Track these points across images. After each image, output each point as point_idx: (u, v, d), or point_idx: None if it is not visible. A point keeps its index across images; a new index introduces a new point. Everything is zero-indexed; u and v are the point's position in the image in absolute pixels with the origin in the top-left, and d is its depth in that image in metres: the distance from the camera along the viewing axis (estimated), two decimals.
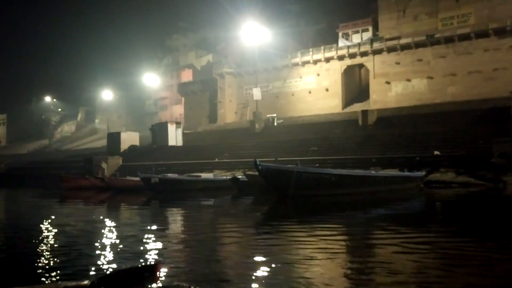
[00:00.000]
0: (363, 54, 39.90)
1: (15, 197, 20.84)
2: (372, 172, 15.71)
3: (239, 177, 18.23)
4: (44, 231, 8.56)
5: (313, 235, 7.41)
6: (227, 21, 67.40)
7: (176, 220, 10.72)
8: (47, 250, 6.38)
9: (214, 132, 42.67)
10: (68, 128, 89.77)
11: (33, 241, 7.22)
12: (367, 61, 40.03)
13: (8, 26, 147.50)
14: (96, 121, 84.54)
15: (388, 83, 38.69)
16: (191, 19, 79.66)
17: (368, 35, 40.72)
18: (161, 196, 16.54)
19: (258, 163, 12.55)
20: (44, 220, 10.14)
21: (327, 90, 42.06)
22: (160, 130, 38.23)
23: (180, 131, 38.14)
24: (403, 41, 37.54)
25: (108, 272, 3.86)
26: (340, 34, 42.09)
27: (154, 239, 7.18)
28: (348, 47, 40.58)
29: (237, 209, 13.06)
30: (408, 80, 37.70)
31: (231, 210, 12.83)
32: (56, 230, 8.71)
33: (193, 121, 51.34)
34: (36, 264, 5.32)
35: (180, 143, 37.96)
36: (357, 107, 40.33)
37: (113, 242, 7.00)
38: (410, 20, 38.00)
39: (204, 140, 39.22)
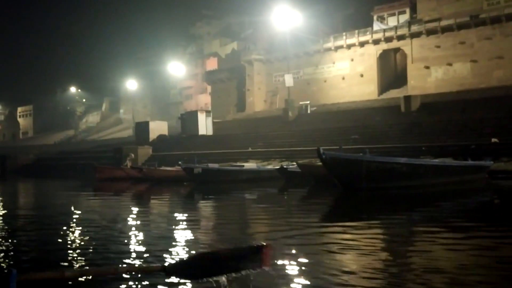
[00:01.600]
0: (400, 37, 37.91)
1: (49, 189, 20.01)
2: (446, 160, 14.07)
3: (286, 166, 16.88)
4: (99, 226, 7.48)
5: (388, 234, 6.51)
6: (252, 7, 65.90)
7: (228, 215, 9.50)
8: (100, 245, 5.87)
9: (244, 120, 41.38)
10: (93, 118, 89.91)
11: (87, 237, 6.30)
12: (405, 45, 38.05)
13: (34, 18, 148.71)
14: (121, 111, 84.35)
15: (427, 68, 36.69)
16: (215, 7, 78.47)
17: (405, 17, 38.67)
18: (204, 187, 15.39)
19: (322, 151, 11.22)
20: (97, 215, 9.11)
21: (361, 76, 40.26)
22: (189, 119, 37.15)
23: (210, 119, 37.00)
24: (444, 22, 35.42)
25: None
26: (375, 17, 40.11)
27: (205, 237, 6.51)
28: (384, 30, 38.63)
29: (295, 203, 11.78)
30: (449, 64, 35.63)
31: (289, 203, 11.56)
32: (104, 225, 7.90)
33: (220, 110, 50.09)
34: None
35: (210, 132, 36.83)
36: (394, 93, 38.51)
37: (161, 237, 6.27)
38: (452, 0, 35.80)
39: (235, 129, 38.01)
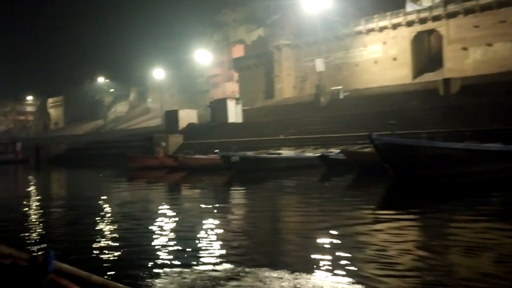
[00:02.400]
0: (436, 18, 36.33)
1: (85, 178, 19.90)
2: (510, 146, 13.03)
3: (328, 153, 16.19)
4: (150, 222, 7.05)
5: (446, 229, 5.96)
6: None
7: (268, 206, 8.95)
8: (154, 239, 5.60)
9: (274, 107, 40.70)
10: (121, 108, 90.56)
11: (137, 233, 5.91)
12: (440, 26, 36.46)
13: (63, 12, 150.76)
14: (148, 100, 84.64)
15: (465, 49, 35.09)
16: None
17: None
18: (241, 176, 14.90)
19: (374, 136, 10.51)
20: (133, 206, 8.71)
21: (394, 59, 38.90)
22: (219, 106, 36.72)
23: (240, 107, 36.48)
24: (483, 1, 33.68)
25: None
26: None
27: (241, 232, 6.09)
28: (418, 11, 37.07)
29: (341, 192, 11.14)
30: (489, 44, 33.95)
31: (334, 192, 10.93)
32: (139, 217, 7.72)
33: (248, 97, 49.40)
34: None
35: (240, 119, 36.34)
36: (429, 76, 37.10)
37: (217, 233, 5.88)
38: None
39: (265, 116, 37.39)
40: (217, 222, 6.72)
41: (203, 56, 63.61)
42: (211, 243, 5.22)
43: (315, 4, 36.79)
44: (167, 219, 7.31)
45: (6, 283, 2.07)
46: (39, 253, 2.22)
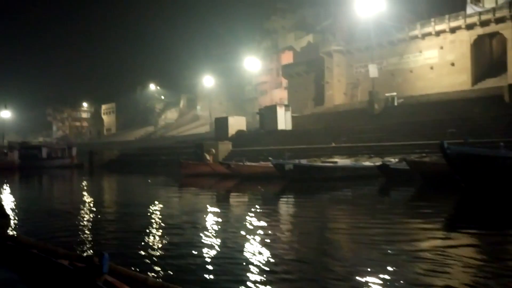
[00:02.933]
0: (499, 20, 34.29)
1: (140, 185, 19.95)
2: None
3: (388, 163, 15.29)
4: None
5: None
6: None
7: (322, 218, 8.24)
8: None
9: (324, 114, 39.80)
10: (171, 115, 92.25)
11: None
12: (504, 29, 34.37)
13: (113, 19, 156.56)
14: (198, 107, 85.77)
15: None
16: (289, 0, 77.22)
17: None
18: (295, 185, 14.29)
19: (446, 145, 9.63)
20: (184, 214, 8.31)
21: (452, 64, 37.07)
22: (268, 113, 36.29)
23: (289, 114, 35.89)
24: None
25: None
26: (468, 0, 36.69)
27: (286, 246, 5.69)
28: (480, 13, 35.14)
29: (404, 205, 10.29)
30: None
31: (396, 205, 10.09)
32: (188, 226, 7.44)
33: (297, 104, 48.77)
34: None
35: (289, 127, 35.73)
36: (491, 82, 35.07)
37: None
38: None
39: (314, 124, 36.62)
40: (267, 239, 6.27)
41: (252, 63, 63.70)
42: (258, 264, 4.87)
43: (368, 9, 35.76)
44: (216, 230, 7.06)
45: (63, 283, 2.14)
46: (94, 255, 2.23)
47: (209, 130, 62.34)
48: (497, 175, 9.09)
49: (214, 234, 6.52)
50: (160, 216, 8.72)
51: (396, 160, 17.05)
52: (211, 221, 8.04)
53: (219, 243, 5.90)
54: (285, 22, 74.86)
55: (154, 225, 7.49)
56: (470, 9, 36.32)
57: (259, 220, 7.87)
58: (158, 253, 5.36)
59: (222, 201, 12.27)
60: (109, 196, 15.30)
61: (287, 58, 61.34)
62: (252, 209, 9.58)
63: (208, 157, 25.39)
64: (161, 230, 7.06)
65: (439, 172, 11.83)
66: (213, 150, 31.86)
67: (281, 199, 12.20)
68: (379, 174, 14.85)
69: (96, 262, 2.13)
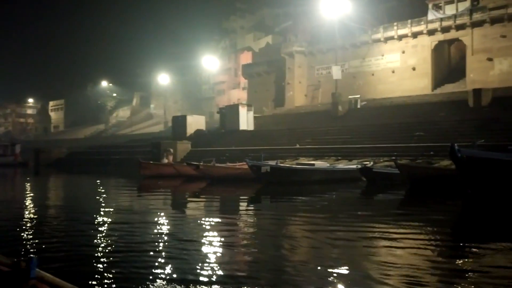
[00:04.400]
0: (460, 27, 34.73)
1: (87, 183, 18.05)
2: None
3: (370, 166, 14.37)
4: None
5: None
6: None
7: (302, 228, 7.09)
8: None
9: (286, 115, 38.99)
10: (123, 113, 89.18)
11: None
12: (464, 35, 34.85)
13: (66, 13, 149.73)
14: (152, 106, 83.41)
15: (490, 59, 33.45)
16: (249, 0, 76.44)
17: (465, 5, 35.40)
18: (271, 188, 13.06)
19: (457, 148, 8.68)
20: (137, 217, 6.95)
21: (413, 69, 37.26)
22: (230, 113, 34.97)
23: (251, 114, 34.78)
24: None
25: None
26: (430, 6, 36.97)
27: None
28: (441, 19, 35.49)
29: (395, 212, 9.31)
30: None
31: (386, 212, 9.08)
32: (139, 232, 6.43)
33: (257, 105, 47.67)
34: None
35: (251, 127, 34.60)
36: (450, 88, 35.54)
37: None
38: None
39: (276, 125, 35.69)
40: (227, 243, 5.78)
41: (210, 62, 62.33)
42: (211, 266, 4.56)
43: (331, 11, 35.37)
44: (172, 236, 6.35)
45: None
46: (22, 259, 2.08)
47: (164, 129, 60.49)
48: (510, 179, 8.30)
49: (169, 241, 5.89)
50: (107, 221, 7.78)
51: (371, 162, 16.25)
52: (168, 226, 7.32)
53: (171, 250, 5.34)
54: (244, 22, 74.11)
55: (99, 231, 6.74)
56: (431, 15, 36.63)
57: (223, 225, 7.18)
58: (99, 262, 4.85)
59: (183, 205, 11.00)
60: (51, 197, 13.55)
61: (246, 58, 60.35)
62: (218, 213, 8.49)
63: (168, 157, 23.75)
64: (105, 236, 6.34)
65: (429, 176, 11.03)
66: (171, 150, 30.27)
67: (255, 204, 10.98)
68: (359, 177, 13.91)
69: (23, 267, 2.07)
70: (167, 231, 6.70)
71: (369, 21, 41.65)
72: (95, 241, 5.94)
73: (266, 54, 54.76)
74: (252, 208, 10.22)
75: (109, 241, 5.96)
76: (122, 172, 26.66)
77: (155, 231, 6.64)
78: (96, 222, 7.51)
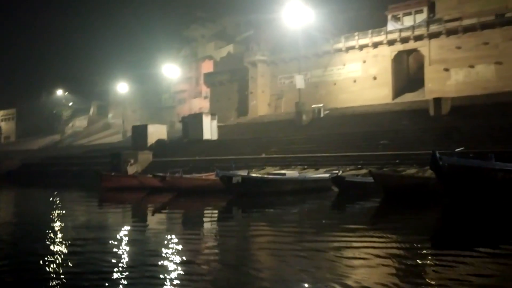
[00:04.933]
0: (418, 38, 35.69)
1: (43, 197, 16.93)
2: None
3: (340, 174, 14.15)
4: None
5: None
6: (252, 8, 63.40)
7: (275, 242, 6.73)
8: None
9: (250, 124, 38.72)
10: (80, 123, 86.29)
11: None
12: (422, 46, 35.84)
13: (18, 17, 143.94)
14: (109, 115, 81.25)
15: (446, 70, 34.50)
16: (210, 9, 76.02)
17: (422, 17, 36.42)
18: (243, 199, 12.59)
19: (438, 156, 8.52)
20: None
21: (374, 78, 37.92)
22: (193, 122, 34.29)
23: (215, 123, 34.23)
24: (466, 22, 33.29)
25: None
26: (389, 17, 37.80)
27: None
28: (400, 30, 36.35)
29: (376, 222, 9.07)
30: (471, 66, 33.49)
31: (367, 222, 8.83)
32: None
33: (220, 114, 47.16)
34: None
35: (215, 136, 34.05)
36: (409, 97, 36.35)
37: None
38: None
39: (240, 134, 35.34)
40: (193, 259, 5.50)
41: (170, 71, 61.43)
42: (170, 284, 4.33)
43: (294, 20, 35.55)
44: (130, 252, 5.99)
45: None
46: None
47: (122, 139, 58.89)
48: (492, 187, 8.21)
49: (127, 259, 5.52)
50: (61, 238, 7.30)
51: (340, 171, 16.10)
52: (128, 243, 6.84)
53: (129, 269, 5.02)
54: (205, 31, 73.58)
55: (51, 250, 6.24)
56: (391, 25, 37.45)
57: (190, 241, 6.83)
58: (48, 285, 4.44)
59: (147, 219, 10.42)
60: (3, 213, 12.53)
61: (207, 67, 59.86)
62: (184, 228, 8.03)
63: (132, 168, 22.86)
64: (58, 255, 5.84)
65: (404, 185, 10.92)
66: (132, 160, 29.35)
67: (225, 217, 10.51)
68: (329, 186, 13.66)
69: None
70: (127, 248, 6.21)
71: (330, 30, 42.17)
72: (46, 261, 5.42)
73: (228, 63, 54.50)
74: (221, 221, 9.75)
75: (61, 260, 5.46)
76: (80, 184, 25.45)
77: (113, 248, 6.14)
78: (49, 240, 6.95)
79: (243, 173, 14.33)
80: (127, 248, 6.30)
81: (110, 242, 6.69)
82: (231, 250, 6.05)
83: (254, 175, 14.87)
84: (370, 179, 12.35)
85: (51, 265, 5.21)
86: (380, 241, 6.49)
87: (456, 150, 9.87)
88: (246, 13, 64.62)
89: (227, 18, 73.14)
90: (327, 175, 15.06)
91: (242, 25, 67.11)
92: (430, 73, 35.38)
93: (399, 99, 36.54)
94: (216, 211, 11.47)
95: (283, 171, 16.02)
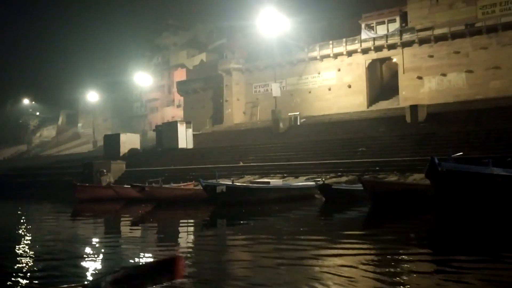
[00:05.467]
0: (391, 46, 36.13)
1: (14, 212, 15.97)
2: None
3: (326, 182, 13.84)
4: None
5: None
6: (225, 16, 63.32)
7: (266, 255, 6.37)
8: None
9: (226, 133, 38.23)
10: (48, 132, 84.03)
11: None
12: (396, 55, 36.31)
13: None
14: (79, 125, 79.41)
15: (420, 78, 35.00)
16: (182, 17, 75.55)
17: (395, 26, 36.94)
18: (226, 209, 12.11)
19: (437, 161, 8.27)
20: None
21: (349, 86, 38.12)
22: (167, 131, 33.56)
23: (190, 131, 33.62)
24: (438, 31, 33.92)
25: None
26: (363, 26, 38.20)
27: None
28: (374, 39, 36.75)
29: (371, 233, 8.77)
30: (444, 74, 34.08)
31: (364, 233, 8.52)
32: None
33: (194, 122, 46.52)
34: None
35: (190, 145, 33.42)
36: (384, 105, 36.67)
37: None
38: (445, 8, 34.42)
39: (216, 142, 34.80)
40: None
41: (142, 79, 60.52)
42: None
43: (268, 28, 35.55)
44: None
45: None
46: None
47: (93, 149, 57.49)
48: (490, 193, 8.04)
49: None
50: (28, 253, 6.77)
51: (323, 179, 15.84)
52: (102, 259, 6.31)
53: None
54: (177, 39, 73.02)
55: (16, 267, 5.66)
56: (364, 34, 37.82)
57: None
58: None
59: (124, 232, 9.79)
60: None
61: (180, 75, 59.20)
62: (165, 241, 7.49)
63: (107, 178, 22.06)
64: (23, 272, 5.37)
65: (394, 192, 10.71)
66: (105, 171, 28.46)
67: (209, 229, 10.02)
68: (313, 194, 13.33)
69: None
70: (97, 265, 5.69)
71: (305, 39, 42.28)
72: (9, 276, 4.97)
73: (201, 71, 54.03)
74: (205, 233, 9.24)
75: (28, 278, 5.00)
76: (50, 195, 24.42)
77: (84, 264, 5.65)
78: (14, 255, 6.37)
79: (224, 182, 13.83)
80: (97, 265, 5.79)
81: (80, 257, 6.19)
82: (211, 265, 5.64)
83: (238, 184, 14.37)
84: (356, 187, 12.10)
85: (15, 281, 4.77)
86: (373, 249, 6.17)
87: (453, 156, 9.66)
88: (218, 21, 64.46)
89: (199, 26, 72.82)
90: (311, 183, 14.77)
91: (215, 33, 66.84)
92: (404, 81, 35.81)
93: (374, 107, 36.84)
94: (200, 222, 10.95)
95: (266, 180, 15.59)
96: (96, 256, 6.32)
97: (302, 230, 8.75)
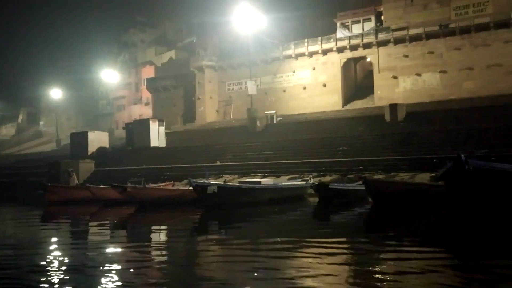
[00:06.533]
0: (366, 46, 36.05)
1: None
2: None
3: (326, 183, 13.15)
4: None
5: None
6: (196, 12, 61.99)
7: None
8: None
9: (200, 131, 37.17)
10: (6, 131, 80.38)
11: None
12: (371, 54, 36.25)
13: None
14: (41, 123, 76.30)
15: (395, 78, 35.05)
16: (149, 14, 73.70)
17: (370, 25, 36.89)
18: (217, 211, 11.22)
19: (464, 159, 7.63)
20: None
21: (324, 85, 37.82)
22: (138, 129, 32.19)
23: (163, 130, 32.37)
24: (413, 31, 34.07)
25: None
26: (338, 24, 37.96)
27: None
28: (350, 38, 36.58)
29: (379, 236, 8.14)
30: (418, 74, 34.24)
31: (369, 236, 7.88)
32: None
33: (164, 121, 45.27)
34: None
35: (163, 144, 32.19)
36: (359, 104, 36.57)
37: None
38: (419, 9, 34.60)
39: (189, 141, 33.74)
40: None
41: (109, 76, 58.40)
42: None
43: (242, 26, 34.82)
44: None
45: None
46: None
47: (56, 148, 55.22)
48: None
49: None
50: None
51: (310, 178, 15.17)
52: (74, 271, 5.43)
53: None
54: (145, 36, 71.25)
55: None
56: (340, 33, 37.59)
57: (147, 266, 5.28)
58: None
59: (103, 239, 8.76)
60: None
61: (148, 72, 57.55)
62: (152, 250, 6.62)
63: (73, 178, 20.69)
64: None
65: (397, 192, 10.15)
66: (71, 170, 26.88)
67: (199, 233, 9.11)
68: (304, 194, 12.63)
69: None
70: (68, 276, 4.97)
71: (279, 37, 41.73)
72: None
73: (170, 69, 52.69)
74: (195, 239, 8.34)
75: None
76: (13, 198, 22.74)
77: (51, 278, 4.87)
78: None
79: (219, 182, 12.91)
80: (69, 275, 4.96)
81: (44, 270, 5.30)
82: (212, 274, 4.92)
83: (230, 184, 13.48)
84: (353, 186, 11.48)
85: None
86: (394, 254, 5.50)
87: (477, 153, 9.12)
88: (188, 18, 63.21)
89: (168, 23, 71.29)
90: (303, 182, 14.05)
91: (184, 31, 65.56)
92: (379, 81, 35.78)
93: (349, 106, 36.67)
94: (189, 226, 10.03)
95: (257, 179, 14.75)
96: (64, 267, 5.38)
97: (305, 233, 8.02)
